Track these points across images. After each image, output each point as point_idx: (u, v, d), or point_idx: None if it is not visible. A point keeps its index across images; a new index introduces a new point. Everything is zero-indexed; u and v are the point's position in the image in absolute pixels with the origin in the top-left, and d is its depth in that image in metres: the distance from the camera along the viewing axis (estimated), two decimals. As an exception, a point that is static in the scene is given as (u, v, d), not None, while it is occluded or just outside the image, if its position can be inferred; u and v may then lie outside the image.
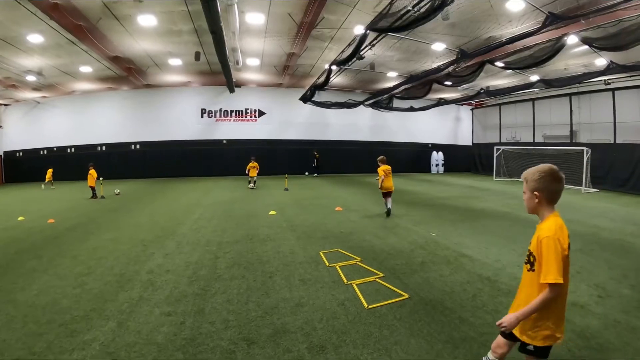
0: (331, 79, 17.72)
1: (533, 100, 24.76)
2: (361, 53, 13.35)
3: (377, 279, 5.33)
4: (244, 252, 6.83)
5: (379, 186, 10.55)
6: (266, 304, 4.53)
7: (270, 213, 10.87)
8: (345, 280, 5.29)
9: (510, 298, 4.51)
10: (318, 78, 19.01)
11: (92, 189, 14.82)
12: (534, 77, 19.39)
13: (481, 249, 6.93)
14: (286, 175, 19.05)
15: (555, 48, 12.30)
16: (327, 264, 6.08)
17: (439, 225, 9.25)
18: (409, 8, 9.70)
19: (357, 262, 6.14)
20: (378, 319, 4.12)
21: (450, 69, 16.70)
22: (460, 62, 15.62)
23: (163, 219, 10.09)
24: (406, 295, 4.71)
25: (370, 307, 4.40)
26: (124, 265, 6.04)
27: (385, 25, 10.81)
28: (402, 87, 20.91)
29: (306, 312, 4.30)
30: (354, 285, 5.08)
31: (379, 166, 10.53)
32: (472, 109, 31.73)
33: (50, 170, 20.78)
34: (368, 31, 11.43)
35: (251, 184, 17.87)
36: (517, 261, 6.11)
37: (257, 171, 18.04)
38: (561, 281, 2.04)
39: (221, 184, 20.28)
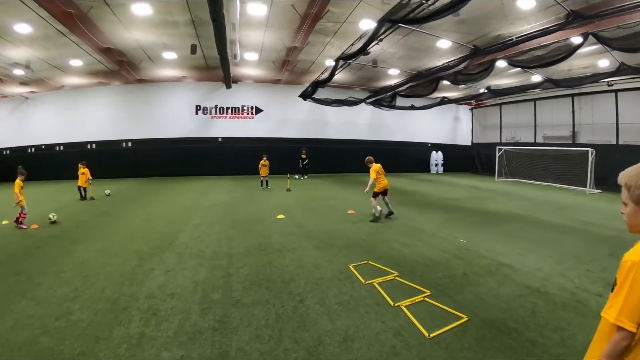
0: (335, 75, 17.12)
1: (535, 100, 24.42)
2: (368, 48, 12.88)
3: (425, 298, 4.64)
4: (260, 266, 5.91)
5: (366, 190, 9.72)
6: (306, 339, 3.65)
7: (278, 217, 10.00)
8: (391, 302, 4.51)
9: (568, 312, 4.29)
10: (321, 73, 18.41)
11: (82, 189, 13.85)
12: (536, 77, 19.29)
13: (517, 257, 6.47)
14: (288, 175, 18.24)
15: (572, 48, 12.01)
16: (363, 281, 5.27)
17: (461, 229, 8.71)
18: (424, 1, 9.47)
19: (396, 277, 5.40)
20: (446, 351, 3.47)
21: (462, 66, 16.18)
22: (473, 58, 15.22)
23: (159, 225, 9.08)
24: (465, 317, 4.10)
25: (432, 335, 3.73)
26: (117, 286, 5.04)
27: (403, 16, 10.38)
28: (408, 85, 20.23)
29: (359, 348, 3.49)
30: (404, 308, 4.34)
31: (369, 168, 9.77)
32: (471, 109, 31.26)
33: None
34: (385, 22, 10.95)
35: (263, 185, 17.07)
36: (557, 269, 5.79)
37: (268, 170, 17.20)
38: (628, 327, 1.44)
39: (218, 184, 19.26)
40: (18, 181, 9.31)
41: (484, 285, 5.14)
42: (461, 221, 9.74)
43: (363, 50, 12.83)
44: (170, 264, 6.06)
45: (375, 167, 9.58)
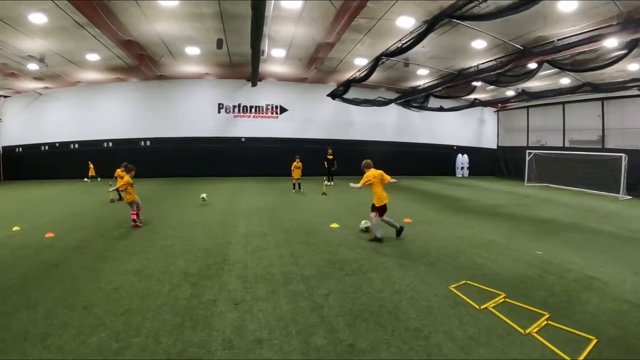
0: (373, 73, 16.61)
1: (563, 103, 23.58)
2: (416, 45, 12.43)
3: (548, 322, 4.16)
4: (350, 292, 4.84)
5: (352, 185, 7.90)
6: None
7: (331, 226, 8.91)
8: (522, 330, 3.93)
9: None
10: (358, 71, 17.67)
11: (118, 192, 12.86)
12: (565, 80, 18.89)
13: (598, 269, 6.17)
14: (324, 179, 17.22)
15: (623, 53, 11.55)
16: (477, 306, 4.47)
17: (530, 239, 8.16)
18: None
19: (505, 299, 4.78)
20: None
21: (508, 67, 15.41)
22: (520, 60, 14.54)
23: (200, 235, 7.88)
24: (594, 339, 3.78)
25: (579, 364, 3.28)
26: (175, 331, 3.74)
27: (461, 11, 10.18)
28: (445, 85, 19.31)
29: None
30: (536, 335, 3.85)
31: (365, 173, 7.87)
32: (496, 111, 30.25)
33: (91, 165, 20.80)
34: (443, 17, 10.65)
35: (295, 188, 16.13)
36: (638, 281, 5.59)
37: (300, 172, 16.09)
38: None
39: (244, 185, 18.28)
40: (127, 178, 8.97)
41: (588, 302, 4.82)
42: (523, 230, 9.17)
43: (414, 46, 12.29)
44: (235, 292, 4.84)
45: (370, 173, 7.72)
